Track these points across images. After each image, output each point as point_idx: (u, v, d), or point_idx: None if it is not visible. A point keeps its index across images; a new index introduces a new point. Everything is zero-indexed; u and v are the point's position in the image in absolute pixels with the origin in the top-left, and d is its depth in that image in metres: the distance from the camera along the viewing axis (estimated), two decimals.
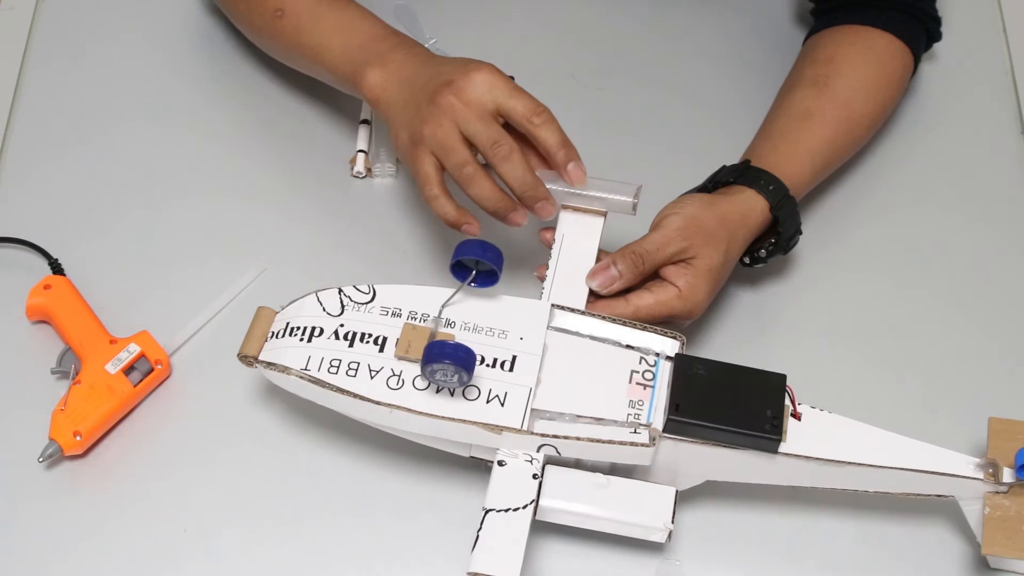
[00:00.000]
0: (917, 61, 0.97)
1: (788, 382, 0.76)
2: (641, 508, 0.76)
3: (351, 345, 0.77)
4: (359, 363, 0.77)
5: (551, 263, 0.83)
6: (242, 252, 0.92)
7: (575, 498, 0.76)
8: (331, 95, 0.98)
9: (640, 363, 0.78)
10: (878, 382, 0.88)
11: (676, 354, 0.78)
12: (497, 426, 0.74)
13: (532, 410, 0.75)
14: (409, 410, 0.75)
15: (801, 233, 0.88)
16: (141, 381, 0.84)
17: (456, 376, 0.73)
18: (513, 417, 0.75)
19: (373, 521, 0.81)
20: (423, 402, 0.75)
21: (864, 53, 0.94)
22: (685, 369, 0.76)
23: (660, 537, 0.76)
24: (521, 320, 0.79)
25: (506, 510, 0.73)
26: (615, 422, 0.75)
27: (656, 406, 0.76)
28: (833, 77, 0.92)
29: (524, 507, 0.74)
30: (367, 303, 0.79)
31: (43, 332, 0.88)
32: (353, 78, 0.86)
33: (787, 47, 1.00)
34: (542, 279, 0.83)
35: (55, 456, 0.82)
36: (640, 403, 0.76)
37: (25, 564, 0.79)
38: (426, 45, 0.95)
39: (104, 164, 0.97)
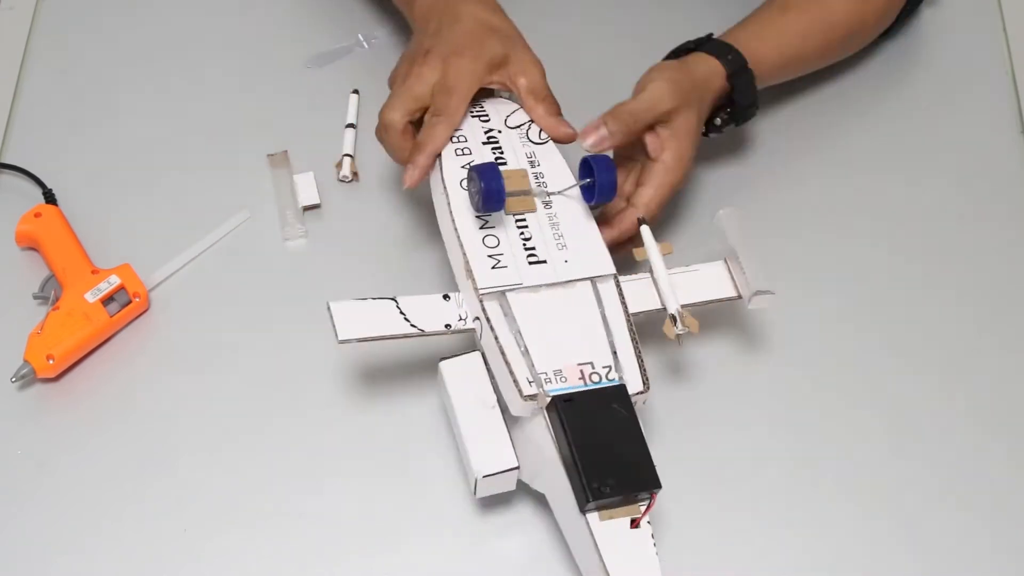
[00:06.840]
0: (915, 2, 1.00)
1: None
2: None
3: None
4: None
5: None
6: (228, 199, 0.94)
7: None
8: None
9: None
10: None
11: (618, 384, 0.74)
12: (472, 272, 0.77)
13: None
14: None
15: (757, 108, 0.90)
16: (118, 312, 0.86)
17: (477, 197, 0.78)
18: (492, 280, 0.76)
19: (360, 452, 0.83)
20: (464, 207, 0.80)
21: None
22: (614, 399, 0.73)
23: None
24: None
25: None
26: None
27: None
28: None
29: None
30: None
31: (30, 258, 0.90)
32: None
33: None
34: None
35: (28, 377, 0.84)
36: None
37: None
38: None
39: (109, 107, 1.00)
